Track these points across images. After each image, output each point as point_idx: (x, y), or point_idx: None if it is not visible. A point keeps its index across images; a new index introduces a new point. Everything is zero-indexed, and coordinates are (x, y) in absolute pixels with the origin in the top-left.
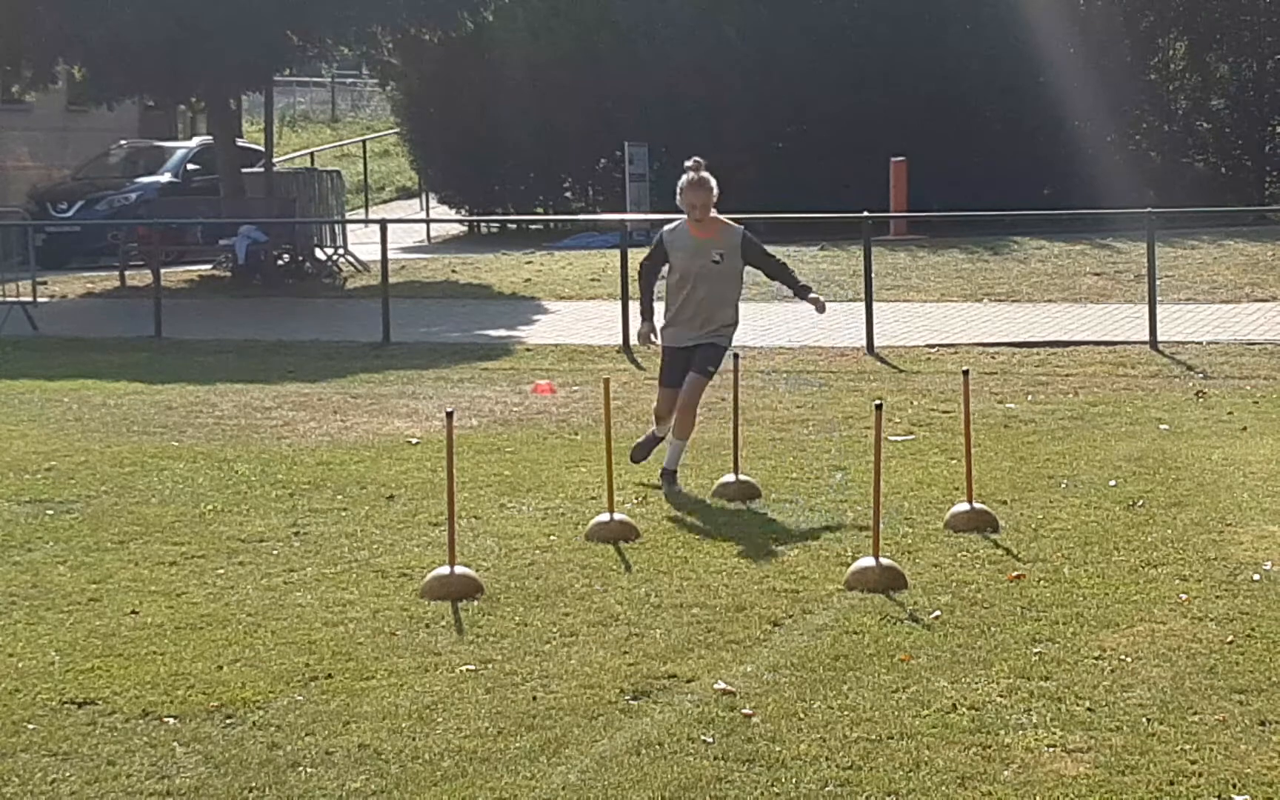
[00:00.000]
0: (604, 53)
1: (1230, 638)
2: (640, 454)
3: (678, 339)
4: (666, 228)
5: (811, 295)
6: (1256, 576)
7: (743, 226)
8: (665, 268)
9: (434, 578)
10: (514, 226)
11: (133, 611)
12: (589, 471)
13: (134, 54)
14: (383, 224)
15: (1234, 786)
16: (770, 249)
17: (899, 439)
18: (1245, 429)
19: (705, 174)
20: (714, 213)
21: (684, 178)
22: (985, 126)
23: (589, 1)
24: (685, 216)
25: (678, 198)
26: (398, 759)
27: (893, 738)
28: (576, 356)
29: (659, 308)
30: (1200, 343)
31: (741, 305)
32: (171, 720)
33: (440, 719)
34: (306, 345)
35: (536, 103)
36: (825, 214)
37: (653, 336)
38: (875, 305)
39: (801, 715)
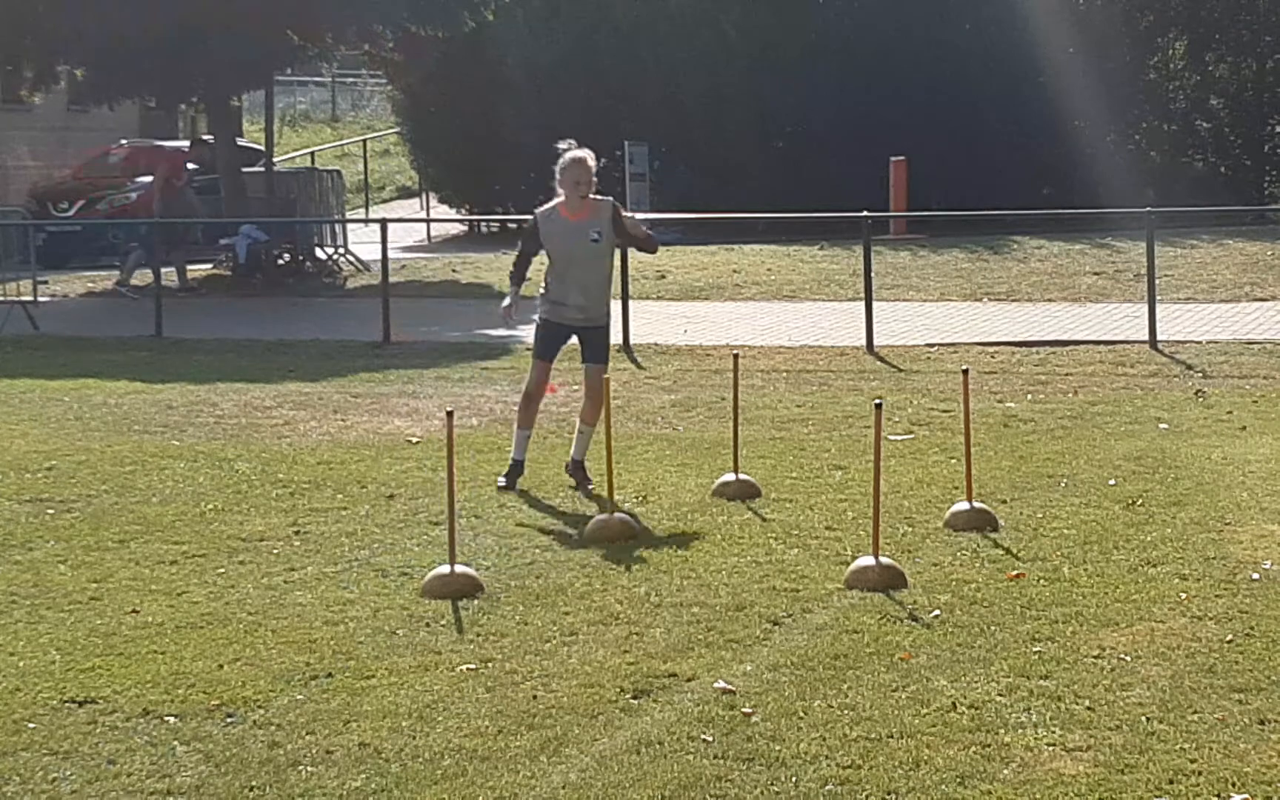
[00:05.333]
0: (604, 53)
1: (1229, 636)
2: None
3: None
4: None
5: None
6: (1256, 575)
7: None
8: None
9: (434, 577)
10: (514, 226)
11: (133, 610)
12: (589, 471)
13: (134, 54)
14: (383, 223)
15: (1233, 785)
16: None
17: (899, 438)
18: (1245, 428)
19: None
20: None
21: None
22: (985, 126)
23: (589, 1)
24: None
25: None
26: (398, 758)
27: (892, 736)
28: (576, 356)
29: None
30: (1200, 342)
31: (740, 304)
32: (172, 719)
33: (440, 718)
34: (307, 344)
35: (536, 103)
36: (825, 214)
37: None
38: (875, 305)
39: (801, 714)
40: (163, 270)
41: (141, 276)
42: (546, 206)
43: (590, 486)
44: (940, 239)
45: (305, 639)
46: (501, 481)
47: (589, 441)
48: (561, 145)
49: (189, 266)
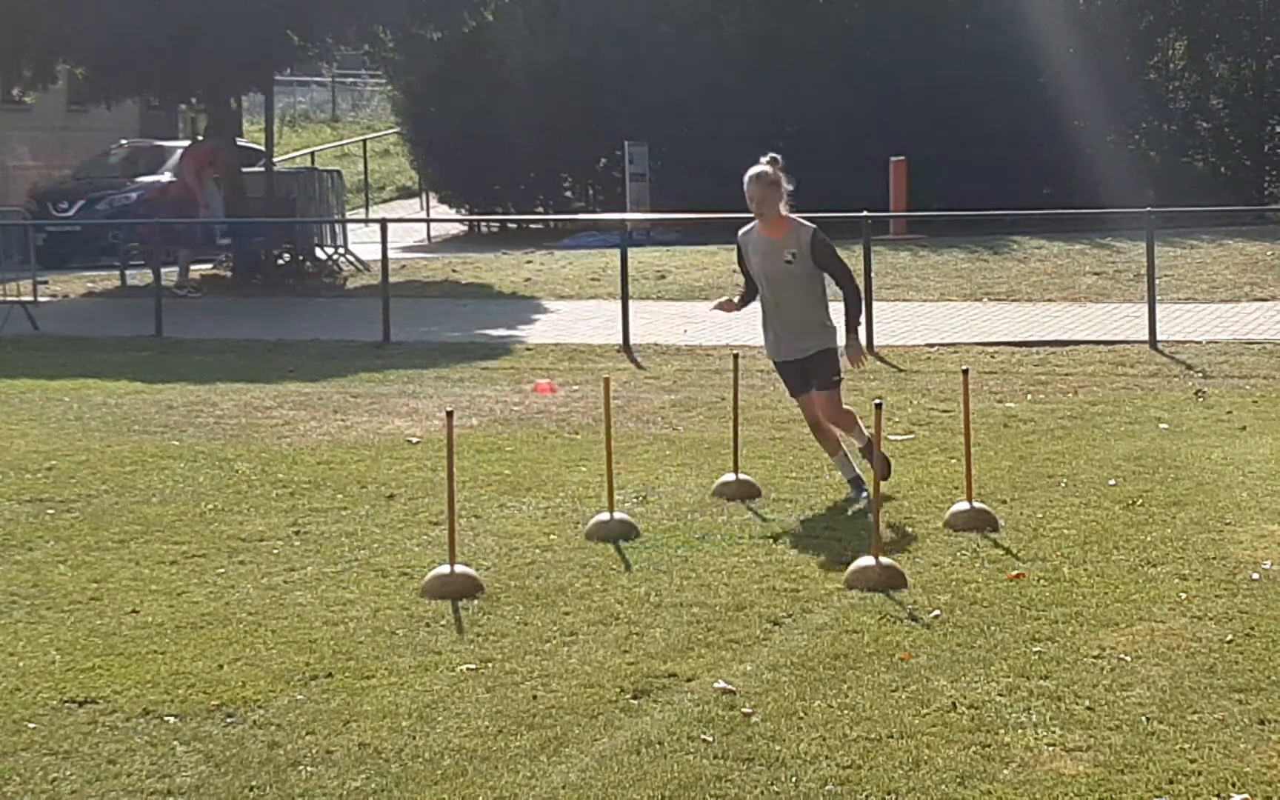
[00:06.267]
0: (604, 53)
1: (1229, 636)
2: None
3: (778, 351)
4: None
5: (853, 339)
6: (1256, 575)
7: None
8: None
9: (434, 577)
10: (514, 226)
11: (133, 610)
12: (589, 471)
13: (134, 54)
14: (383, 223)
15: (1233, 785)
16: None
17: (899, 438)
18: (1244, 428)
19: (774, 169)
20: (784, 211)
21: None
22: (985, 126)
23: (589, 1)
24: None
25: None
26: (398, 758)
27: (892, 736)
28: (577, 356)
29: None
30: (1199, 342)
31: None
32: (172, 719)
33: (440, 718)
34: (307, 345)
35: (536, 103)
36: (825, 214)
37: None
38: (875, 305)
39: (801, 714)
40: (166, 268)
41: (142, 276)
42: (749, 225)
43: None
44: (940, 239)
45: (305, 639)
46: (861, 503)
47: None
48: (763, 159)
49: (193, 266)
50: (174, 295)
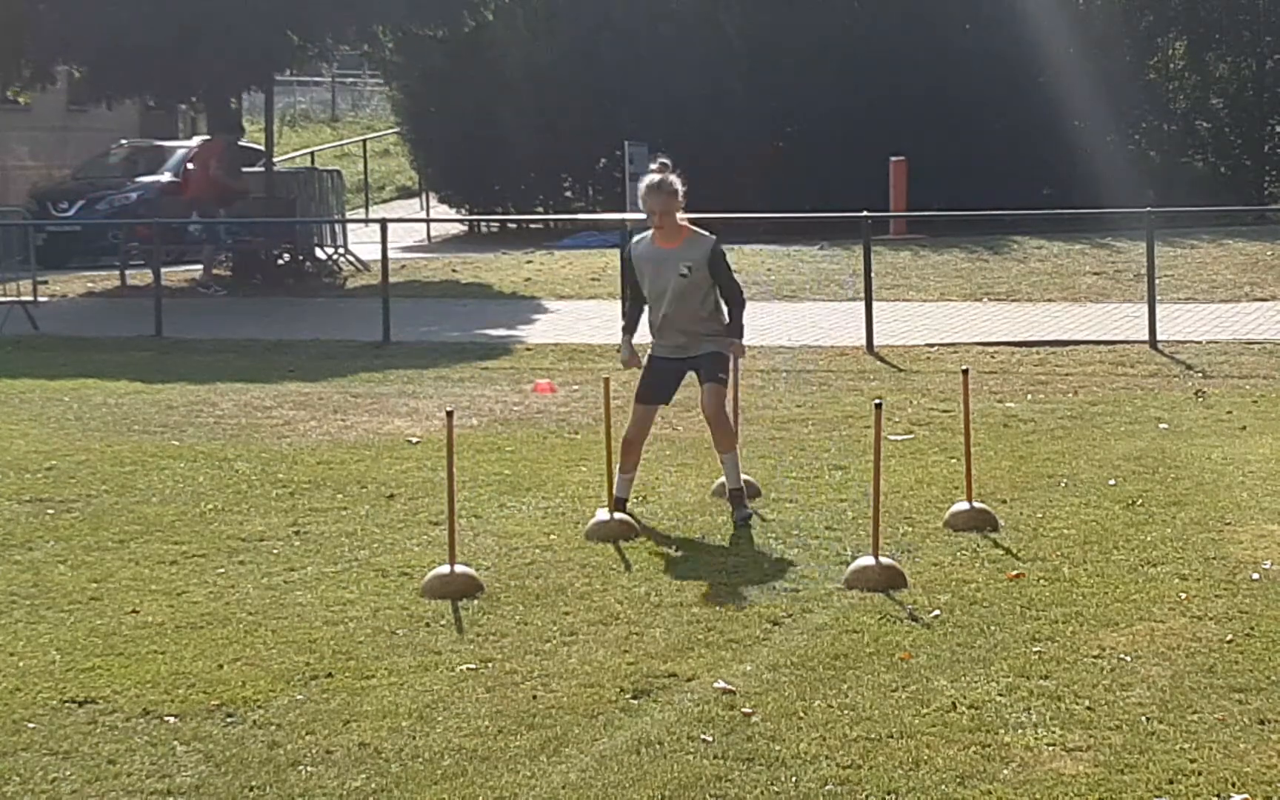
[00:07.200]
0: (604, 53)
1: (1229, 636)
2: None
3: (660, 349)
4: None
5: (734, 343)
6: (1256, 575)
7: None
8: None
9: (434, 576)
10: (514, 226)
11: (133, 610)
12: (589, 471)
13: (134, 54)
14: (383, 223)
15: (1233, 785)
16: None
17: (899, 438)
18: (1244, 428)
19: (667, 175)
20: (681, 219)
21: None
22: (985, 126)
23: (589, 1)
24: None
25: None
26: (398, 757)
27: (892, 736)
28: (576, 356)
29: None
30: (1199, 342)
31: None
32: (172, 719)
33: (440, 718)
34: (306, 344)
35: (536, 103)
36: (825, 214)
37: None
38: (875, 305)
39: (801, 714)
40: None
41: (141, 276)
42: (640, 234)
43: (748, 514)
44: (940, 239)
45: (305, 639)
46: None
47: (734, 467)
48: (653, 166)
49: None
50: (196, 293)
